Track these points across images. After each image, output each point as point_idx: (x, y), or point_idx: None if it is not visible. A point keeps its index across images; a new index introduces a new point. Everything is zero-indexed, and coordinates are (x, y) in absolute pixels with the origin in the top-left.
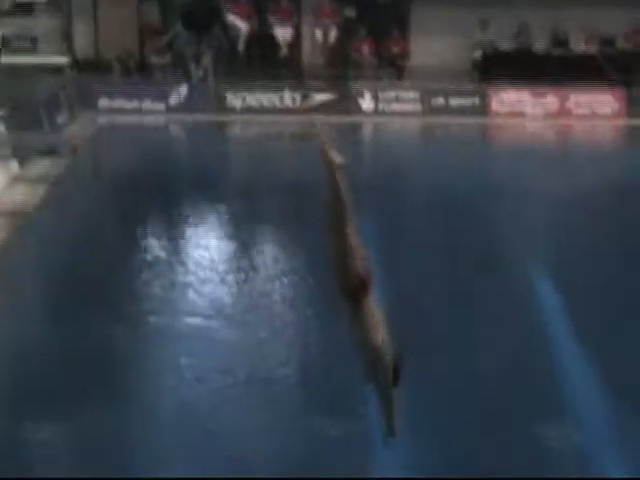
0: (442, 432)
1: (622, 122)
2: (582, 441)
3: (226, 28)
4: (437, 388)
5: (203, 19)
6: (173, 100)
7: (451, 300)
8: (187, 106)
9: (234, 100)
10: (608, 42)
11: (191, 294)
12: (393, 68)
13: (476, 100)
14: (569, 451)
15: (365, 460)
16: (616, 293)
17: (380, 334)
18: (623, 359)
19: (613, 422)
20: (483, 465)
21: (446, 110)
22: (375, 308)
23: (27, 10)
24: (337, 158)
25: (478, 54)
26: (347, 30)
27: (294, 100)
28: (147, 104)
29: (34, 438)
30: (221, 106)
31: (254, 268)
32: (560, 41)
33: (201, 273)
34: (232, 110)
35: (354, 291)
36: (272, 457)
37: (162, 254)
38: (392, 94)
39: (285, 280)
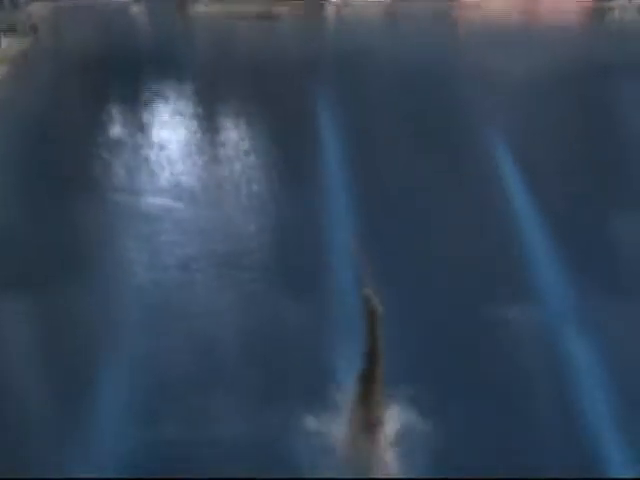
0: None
1: (588, 2)
2: (542, 315)
3: None
4: (402, 267)
5: None
6: None
7: (414, 176)
8: None
9: None
10: None
11: (156, 171)
12: None
13: None
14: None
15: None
16: (577, 170)
17: None
18: (582, 236)
19: (574, 299)
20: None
21: None
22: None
23: None
24: (379, 308)
25: None
26: None
27: None
28: None
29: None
30: None
31: (220, 146)
32: None
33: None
34: None
35: (369, 426)
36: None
37: (126, 132)
38: None
39: (253, 157)
